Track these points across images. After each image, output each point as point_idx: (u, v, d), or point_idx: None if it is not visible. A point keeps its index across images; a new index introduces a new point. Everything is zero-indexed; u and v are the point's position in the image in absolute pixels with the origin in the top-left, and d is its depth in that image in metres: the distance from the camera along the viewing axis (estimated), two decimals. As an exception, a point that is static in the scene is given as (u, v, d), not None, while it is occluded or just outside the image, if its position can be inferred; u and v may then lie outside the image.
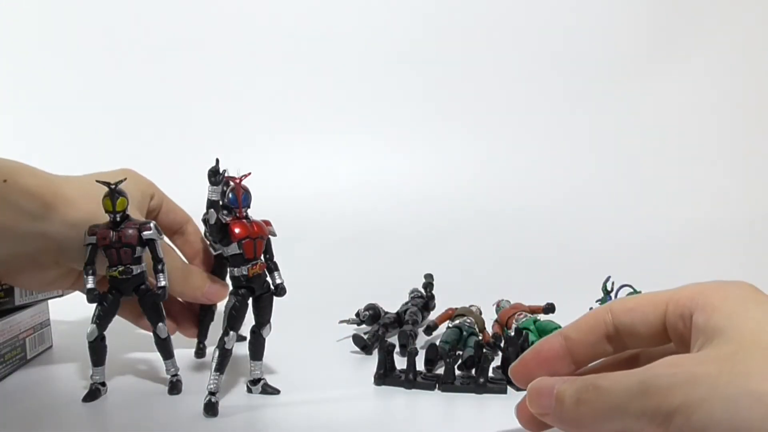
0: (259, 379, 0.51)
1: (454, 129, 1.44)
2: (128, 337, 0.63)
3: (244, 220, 0.47)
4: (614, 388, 0.24)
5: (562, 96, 1.42)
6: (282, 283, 0.50)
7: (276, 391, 0.51)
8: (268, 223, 0.50)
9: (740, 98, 1.38)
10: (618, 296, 0.68)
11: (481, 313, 0.67)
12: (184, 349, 0.57)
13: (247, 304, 0.48)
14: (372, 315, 0.65)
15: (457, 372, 0.52)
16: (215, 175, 0.44)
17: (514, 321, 0.64)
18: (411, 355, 0.52)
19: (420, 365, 0.54)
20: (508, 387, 0.50)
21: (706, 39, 1.39)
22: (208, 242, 0.59)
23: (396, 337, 0.62)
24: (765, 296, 0.25)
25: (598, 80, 1.42)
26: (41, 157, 1.36)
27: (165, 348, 0.51)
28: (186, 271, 0.53)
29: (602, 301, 0.66)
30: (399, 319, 0.65)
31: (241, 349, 0.53)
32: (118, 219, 0.48)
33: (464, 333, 0.60)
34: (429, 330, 0.61)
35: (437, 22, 1.45)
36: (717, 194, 1.28)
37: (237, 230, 0.46)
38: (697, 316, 0.25)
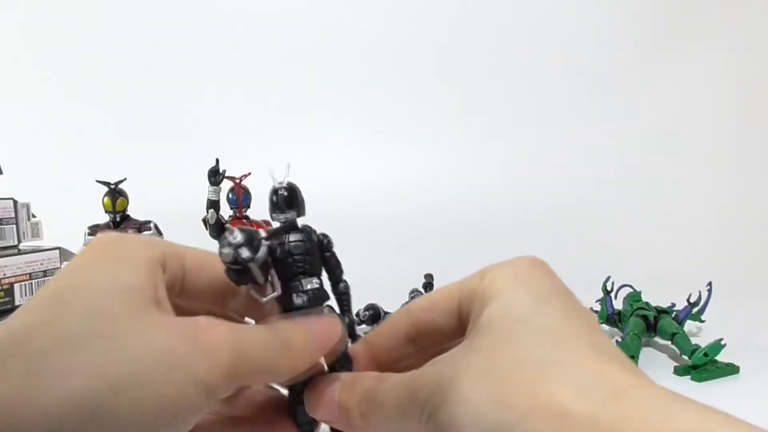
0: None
1: (454, 129, 1.44)
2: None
3: (244, 220, 0.47)
4: (390, 397, 0.24)
5: (573, 98, 1.42)
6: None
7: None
8: (268, 223, 0.50)
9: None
10: (618, 296, 0.68)
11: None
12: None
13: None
14: (372, 315, 0.65)
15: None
16: (215, 175, 0.44)
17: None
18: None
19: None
20: None
21: (726, 33, 1.39)
22: None
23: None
24: (535, 272, 0.24)
25: (605, 82, 1.42)
26: (42, 159, 1.37)
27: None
28: (278, 339, 0.26)
29: (602, 301, 0.66)
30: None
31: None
32: (118, 219, 0.48)
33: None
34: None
35: (446, 23, 1.45)
36: (720, 194, 1.28)
37: (237, 230, 0.46)
38: (475, 304, 0.24)
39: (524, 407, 0.18)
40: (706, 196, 1.27)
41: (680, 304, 0.64)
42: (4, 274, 0.56)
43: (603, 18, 1.42)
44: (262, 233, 0.26)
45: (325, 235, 0.30)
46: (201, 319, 0.22)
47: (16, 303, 0.57)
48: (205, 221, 0.46)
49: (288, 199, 0.28)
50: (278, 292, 0.27)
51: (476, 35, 1.44)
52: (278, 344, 0.24)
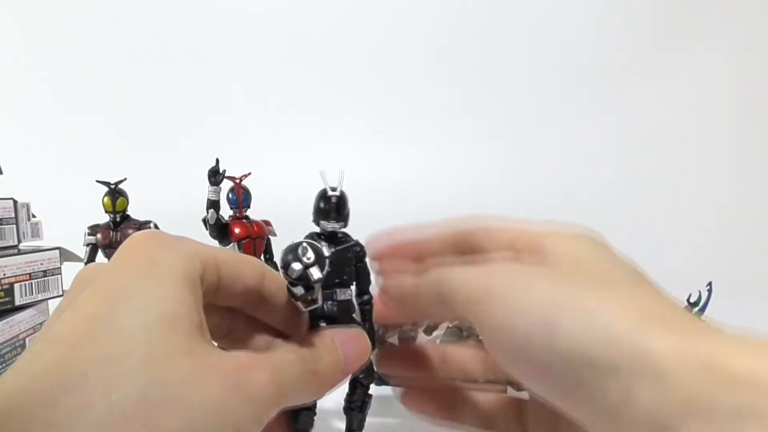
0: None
1: (454, 129, 1.44)
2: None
3: (244, 220, 0.47)
4: (426, 295, 0.26)
5: (573, 98, 1.42)
6: None
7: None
8: (268, 223, 0.50)
9: None
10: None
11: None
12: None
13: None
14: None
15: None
16: (215, 175, 0.44)
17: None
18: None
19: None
20: (508, 387, 0.50)
21: (726, 33, 1.39)
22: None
23: (396, 337, 0.62)
24: (606, 245, 0.27)
25: (605, 82, 1.42)
26: (42, 159, 1.37)
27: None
28: (306, 367, 0.25)
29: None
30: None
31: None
32: (118, 219, 0.48)
33: (464, 333, 0.60)
34: (429, 330, 0.61)
35: (446, 23, 1.45)
36: (720, 194, 1.28)
37: (237, 230, 0.46)
38: (541, 258, 0.26)
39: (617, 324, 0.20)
40: (706, 196, 1.27)
41: (680, 304, 0.64)
42: (4, 274, 0.56)
43: (603, 18, 1.42)
44: (326, 251, 0.26)
45: (359, 244, 0.30)
46: (243, 359, 0.22)
47: (16, 303, 0.57)
48: (205, 221, 0.46)
49: (339, 208, 0.28)
50: (319, 304, 0.27)
51: (477, 35, 1.44)
52: (311, 377, 0.25)
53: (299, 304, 0.26)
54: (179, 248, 0.24)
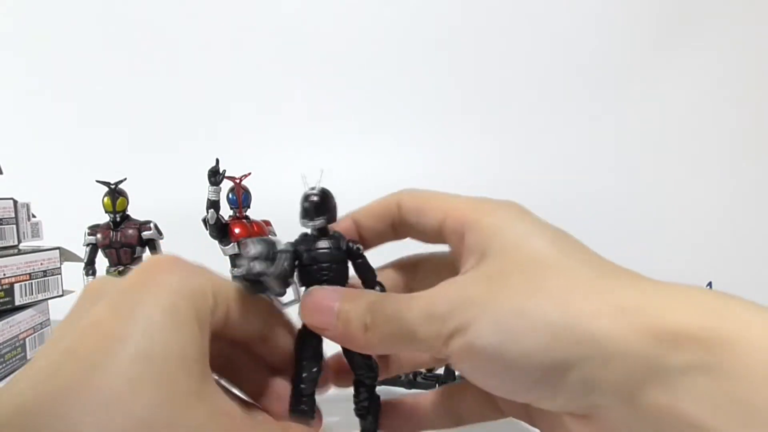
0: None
1: (455, 129, 1.44)
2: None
3: (244, 220, 0.47)
4: (401, 315, 0.24)
5: (573, 98, 1.42)
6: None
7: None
8: (268, 223, 0.50)
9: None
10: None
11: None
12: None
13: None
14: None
15: (457, 372, 0.52)
16: (215, 175, 0.44)
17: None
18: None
19: (420, 365, 0.54)
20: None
21: (726, 33, 1.39)
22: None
23: None
24: (529, 213, 0.27)
25: (606, 82, 1.42)
26: (42, 159, 1.37)
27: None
28: None
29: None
30: None
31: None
32: (118, 219, 0.48)
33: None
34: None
35: (446, 24, 1.45)
36: (720, 194, 1.28)
37: (237, 230, 0.46)
38: (468, 236, 0.26)
39: (591, 308, 0.20)
40: (706, 196, 1.27)
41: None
42: (4, 274, 0.56)
43: (603, 18, 1.42)
44: (282, 244, 0.26)
45: (355, 242, 0.29)
46: (244, 421, 0.23)
47: (16, 303, 0.57)
48: (205, 221, 0.46)
49: (318, 206, 0.28)
50: (297, 299, 0.27)
51: (477, 35, 1.44)
52: None
53: (275, 301, 0.27)
54: (195, 278, 0.24)
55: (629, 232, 1.21)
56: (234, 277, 0.25)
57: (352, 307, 0.26)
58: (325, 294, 0.27)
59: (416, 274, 0.32)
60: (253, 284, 0.25)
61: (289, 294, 0.28)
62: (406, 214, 0.29)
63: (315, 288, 0.27)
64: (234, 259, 0.23)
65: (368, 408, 0.29)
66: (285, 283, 0.27)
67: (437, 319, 0.23)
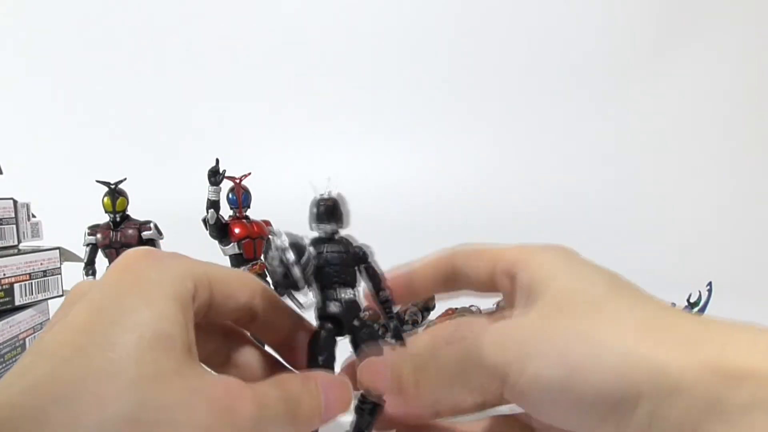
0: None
1: (454, 129, 1.44)
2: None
3: (244, 220, 0.47)
4: (450, 363, 0.25)
5: (573, 98, 1.42)
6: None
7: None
8: (268, 223, 0.50)
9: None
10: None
11: (480, 314, 0.67)
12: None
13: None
14: (372, 314, 0.65)
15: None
16: (215, 175, 0.44)
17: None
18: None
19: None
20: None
21: (726, 33, 1.39)
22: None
23: None
24: (578, 257, 0.27)
25: (606, 82, 1.42)
26: (42, 159, 1.37)
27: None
28: (287, 407, 0.25)
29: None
30: (399, 319, 0.65)
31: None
32: (118, 219, 0.48)
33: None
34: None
35: (446, 24, 1.45)
36: (720, 194, 1.28)
37: (237, 230, 0.46)
38: (521, 276, 0.26)
39: (626, 365, 0.20)
40: (706, 196, 1.27)
41: (680, 304, 0.64)
42: (4, 274, 0.56)
43: (603, 18, 1.42)
44: (306, 239, 0.27)
45: (362, 247, 0.30)
46: (231, 386, 0.23)
47: (16, 303, 0.57)
48: (205, 221, 0.46)
49: (330, 211, 0.29)
50: (316, 300, 0.28)
51: (477, 36, 1.44)
52: (290, 418, 0.25)
53: (294, 302, 0.27)
54: (172, 267, 0.24)
55: (629, 232, 1.21)
56: (267, 270, 0.26)
57: (403, 366, 0.26)
58: (380, 358, 0.28)
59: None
60: (284, 276, 0.26)
61: (309, 296, 0.28)
62: (460, 266, 0.30)
63: (371, 359, 0.28)
64: (264, 251, 0.23)
65: (372, 410, 0.29)
66: (308, 280, 0.27)
67: (490, 364, 0.23)
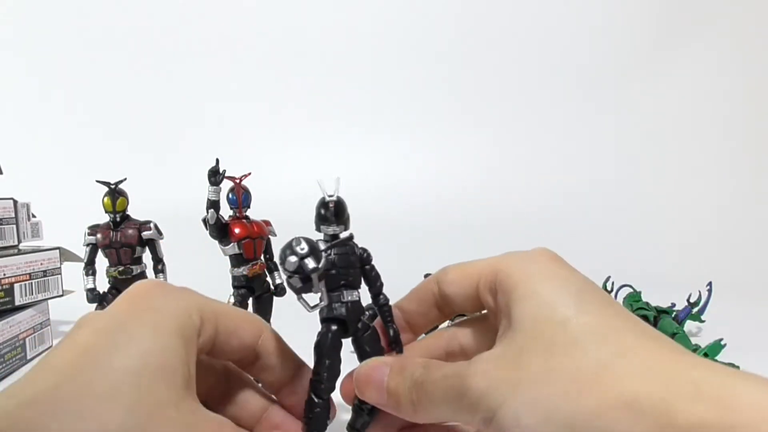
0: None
1: (455, 129, 1.44)
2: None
3: (244, 220, 0.47)
4: (440, 390, 0.25)
5: (573, 98, 1.42)
6: (282, 283, 0.50)
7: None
8: (268, 223, 0.50)
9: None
10: (618, 296, 0.68)
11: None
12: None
13: (247, 304, 0.48)
14: (372, 315, 0.65)
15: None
16: (215, 175, 0.44)
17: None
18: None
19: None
20: None
21: (726, 33, 1.39)
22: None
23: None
24: (556, 265, 0.26)
25: (606, 82, 1.42)
26: (42, 159, 1.37)
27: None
28: None
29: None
30: None
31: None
32: (118, 219, 0.48)
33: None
34: (428, 330, 0.61)
35: (447, 25, 1.45)
36: (720, 194, 1.28)
37: (237, 230, 0.46)
38: (500, 296, 0.26)
39: (597, 402, 0.20)
40: (706, 196, 1.27)
41: (680, 304, 0.64)
42: (4, 274, 0.56)
43: (603, 18, 1.42)
44: (321, 245, 0.27)
45: (365, 249, 0.31)
46: (224, 426, 0.23)
47: (16, 303, 0.57)
48: (205, 221, 0.46)
49: (337, 213, 0.29)
50: (325, 302, 0.28)
51: (477, 36, 1.44)
52: None
53: (303, 303, 0.27)
54: (181, 300, 0.25)
55: (629, 232, 1.21)
56: (289, 281, 0.26)
57: (398, 384, 0.27)
58: (375, 367, 0.28)
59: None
60: (303, 281, 0.26)
61: (315, 296, 0.28)
62: (445, 288, 0.30)
63: (366, 362, 0.29)
64: (282, 256, 0.24)
65: (371, 410, 0.30)
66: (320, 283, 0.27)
67: (469, 398, 0.23)
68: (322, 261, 0.26)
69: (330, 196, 0.30)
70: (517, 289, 0.25)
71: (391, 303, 0.32)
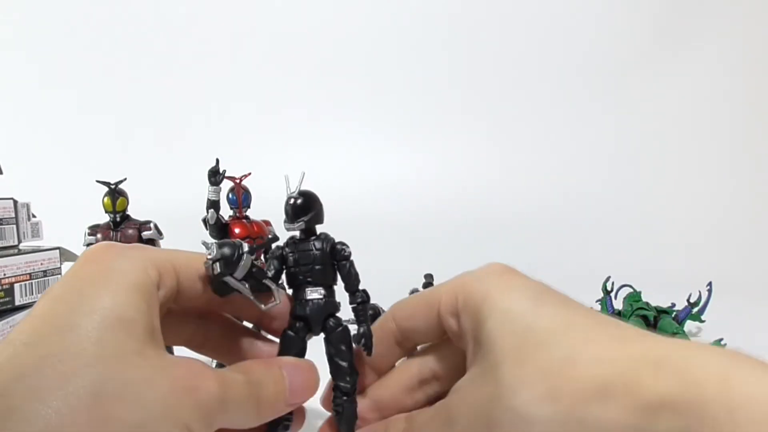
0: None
1: (454, 129, 1.44)
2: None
3: (244, 220, 0.47)
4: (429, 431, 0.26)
5: (573, 98, 1.42)
6: (282, 283, 0.50)
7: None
8: (268, 223, 0.50)
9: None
10: (618, 296, 0.68)
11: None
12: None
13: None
14: (372, 315, 0.65)
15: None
16: (215, 175, 0.44)
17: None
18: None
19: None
20: None
21: (726, 33, 1.39)
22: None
23: None
24: (513, 278, 0.27)
25: (606, 83, 1.42)
26: (42, 159, 1.37)
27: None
28: (251, 390, 0.25)
29: (602, 301, 0.66)
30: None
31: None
32: (118, 219, 0.48)
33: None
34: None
35: (446, 24, 1.45)
36: (720, 194, 1.28)
37: (237, 230, 0.46)
38: (464, 318, 0.27)
39: (571, 397, 0.21)
40: (706, 196, 1.27)
41: (680, 304, 0.64)
42: (4, 274, 0.56)
43: (603, 18, 1.42)
44: (245, 246, 0.27)
45: (340, 244, 0.29)
46: (194, 366, 0.23)
47: (16, 303, 0.57)
48: (205, 221, 0.46)
49: (297, 209, 0.28)
50: (278, 302, 0.28)
51: (477, 36, 1.44)
52: (253, 401, 0.25)
53: (255, 302, 0.27)
54: (134, 257, 0.25)
55: (630, 232, 1.21)
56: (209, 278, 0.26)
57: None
58: None
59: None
60: (220, 285, 0.26)
61: (275, 297, 0.28)
62: (404, 323, 0.30)
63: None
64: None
65: (343, 408, 0.29)
66: (260, 284, 0.27)
67: (464, 429, 0.24)
68: (242, 266, 0.26)
69: (291, 192, 0.29)
70: (481, 310, 0.25)
71: (380, 303, 0.31)
